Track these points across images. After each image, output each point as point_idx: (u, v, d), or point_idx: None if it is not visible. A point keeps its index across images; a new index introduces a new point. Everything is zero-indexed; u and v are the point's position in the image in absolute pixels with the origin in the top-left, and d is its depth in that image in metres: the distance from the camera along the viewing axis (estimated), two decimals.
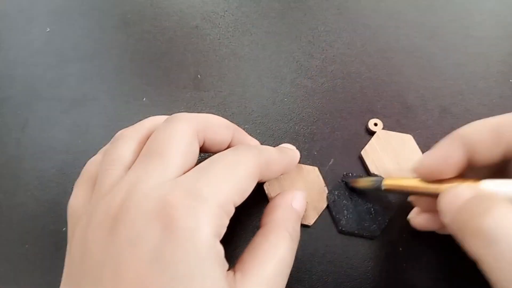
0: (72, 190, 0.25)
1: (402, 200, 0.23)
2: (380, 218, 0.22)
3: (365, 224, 0.22)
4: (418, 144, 0.25)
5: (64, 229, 0.24)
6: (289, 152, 0.21)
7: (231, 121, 0.26)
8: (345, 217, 0.22)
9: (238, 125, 0.26)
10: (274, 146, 0.25)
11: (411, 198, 0.21)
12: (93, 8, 0.31)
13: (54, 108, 0.28)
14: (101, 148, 0.22)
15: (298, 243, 0.19)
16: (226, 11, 0.31)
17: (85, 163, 0.26)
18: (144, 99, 0.27)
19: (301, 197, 0.21)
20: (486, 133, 0.16)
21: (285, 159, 0.20)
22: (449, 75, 0.28)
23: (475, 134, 0.16)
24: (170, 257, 0.13)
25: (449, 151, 0.17)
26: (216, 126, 0.19)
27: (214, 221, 0.14)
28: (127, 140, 0.18)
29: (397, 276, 0.22)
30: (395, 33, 0.29)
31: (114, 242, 0.14)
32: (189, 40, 0.29)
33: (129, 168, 0.17)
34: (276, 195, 0.21)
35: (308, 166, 0.24)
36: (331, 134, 0.26)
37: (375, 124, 0.25)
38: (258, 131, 0.26)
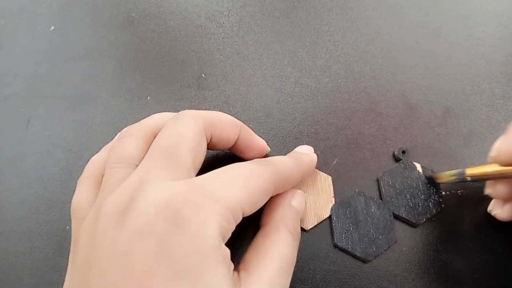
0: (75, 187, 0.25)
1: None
2: (378, 244, 0.22)
3: (361, 246, 0.22)
4: (420, 144, 0.25)
5: (67, 227, 0.24)
6: (306, 159, 0.21)
7: None
8: (344, 234, 0.22)
9: None
10: (278, 145, 0.25)
11: (488, 191, 0.21)
12: (97, 6, 0.31)
13: (57, 106, 0.28)
14: (104, 146, 0.22)
15: (299, 241, 0.19)
16: (231, 10, 0.31)
17: (89, 161, 0.26)
18: (148, 97, 0.27)
19: (300, 196, 0.21)
20: None
21: (301, 170, 0.20)
22: (452, 76, 0.28)
23: None
24: (176, 251, 0.13)
25: None
26: (223, 123, 0.19)
27: (221, 222, 0.14)
28: (134, 137, 0.18)
29: (402, 274, 0.22)
30: (399, 33, 0.29)
31: (123, 233, 0.14)
32: (193, 39, 0.29)
33: (136, 166, 0.17)
34: (276, 194, 0.21)
35: (323, 173, 0.24)
36: (335, 134, 0.26)
37: (403, 152, 0.24)
38: (262, 130, 0.26)
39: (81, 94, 0.28)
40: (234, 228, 0.15)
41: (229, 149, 0.21)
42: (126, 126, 0.27)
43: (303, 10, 0.30)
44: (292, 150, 0.24)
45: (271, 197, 0.20)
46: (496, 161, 0.18)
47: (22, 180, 0.25)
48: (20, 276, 0.23)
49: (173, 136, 0.17)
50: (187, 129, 0.17)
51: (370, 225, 0.22)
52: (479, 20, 0.30)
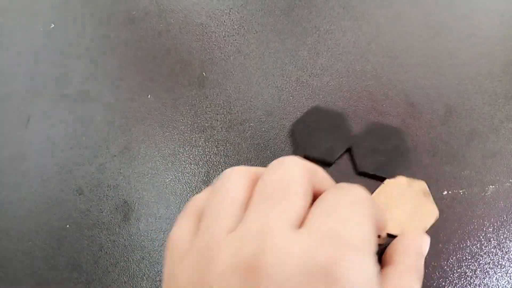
0: (77, 188, 0.25)
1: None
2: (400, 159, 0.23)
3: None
4: (422, 143, 0.25)
5: (67, 226, 0.24)
6: None
7: (235, 119, 0.26)
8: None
9: (243, 123, 0.26)
10: (279, 144, 0.25)
11: None
12: (97, 4, 0.31)
13: (57, 105, 0.27)
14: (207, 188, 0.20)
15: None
16: (232, 8, 0.30)
17: (89, 160, 0.26)
18: (149, 96, 0.27)
19: (428, 241, 0.19)
20: None
21: None
22: (454, 75, 0.28)
23: None
24: None
25: None
26: (325, 179, 0.17)
27: (374, 271, 0.13)
28: (239, 175, 0.16)
29: None
30: (400, 32, 0.29)
31: None
32: (194, 38, 0.29)
33: (242, 206, 0.15)
34: (403, 236, 0.20)
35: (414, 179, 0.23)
36: None
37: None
38: (263, 129, 0.26)
39: (81, 93, 0.28)
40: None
41: None
42: (126, 125, 0.27)
43: (305, 8, 0.30)
44: (291, 150, 0.24)
45: (399, 239, 0.19)
46: None
47: (22, 178, 0.25)
48: (20, 275, 0.23)
49: (283, 179, 0.15)
50: (295, 170, 0.15)
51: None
52: (481, 19, 0.30)
